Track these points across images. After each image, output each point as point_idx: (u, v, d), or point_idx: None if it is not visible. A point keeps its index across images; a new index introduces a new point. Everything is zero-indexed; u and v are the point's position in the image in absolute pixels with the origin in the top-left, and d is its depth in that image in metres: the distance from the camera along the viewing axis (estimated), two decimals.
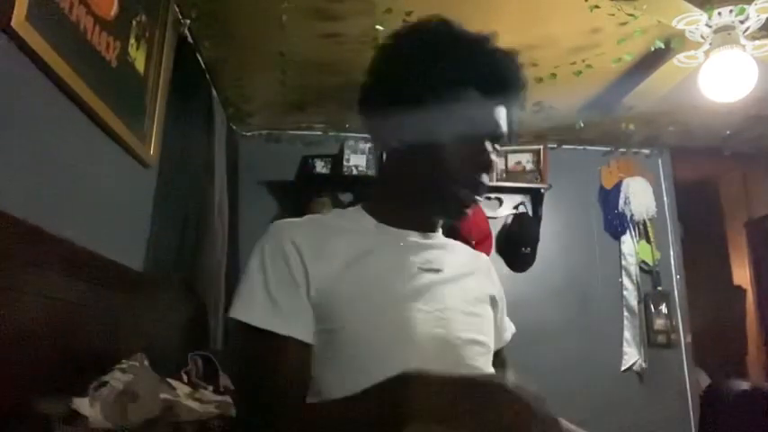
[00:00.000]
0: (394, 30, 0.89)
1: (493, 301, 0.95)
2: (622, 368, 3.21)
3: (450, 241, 0.97)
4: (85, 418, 1.00)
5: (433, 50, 0.83)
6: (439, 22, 0.85)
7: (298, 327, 0.76)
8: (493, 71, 0.84)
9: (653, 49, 2.29)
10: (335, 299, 0.78)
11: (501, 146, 0.88)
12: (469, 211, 0.87)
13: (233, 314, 0.77)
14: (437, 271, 0.86)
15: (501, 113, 0.86)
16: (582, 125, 3.00)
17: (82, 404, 1.02)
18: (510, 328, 1.03)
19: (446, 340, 0.82)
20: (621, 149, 3.47)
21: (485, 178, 0.84)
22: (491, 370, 0.88)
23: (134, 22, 1.62)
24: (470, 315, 0.87)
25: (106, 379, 1.12)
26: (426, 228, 0.90)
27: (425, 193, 0.86)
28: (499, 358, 0.95)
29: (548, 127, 3.16)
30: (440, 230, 0.94)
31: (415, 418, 0.59)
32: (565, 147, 3.46)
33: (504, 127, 0.86)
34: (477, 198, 0.86)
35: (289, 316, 0.76)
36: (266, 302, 0.76)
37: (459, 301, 0.86)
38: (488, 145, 0.84)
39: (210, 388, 1.61)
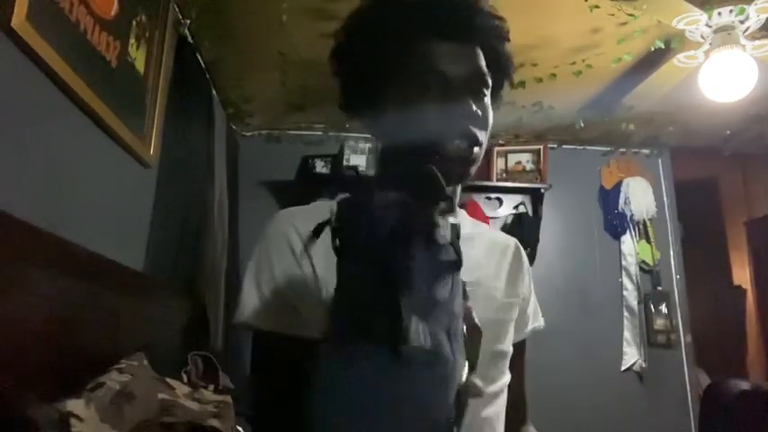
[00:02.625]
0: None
1: (523, 301, 0.87)
2: (622, 368, 3.21)
3: (472, 228, 0.86)
4: (81, 419, 1.00)
5: (382, 19, 0.75)
6: None
7: (311, 325, 0.68)
8: (442, 11, 0.73)
9: (653, 49, 2.29)
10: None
11: (482, 89, 0.74)
12: (458, 167, 0.73)
13: (245, 319, 0.72)
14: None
15: (455, 53, 0.73)
16: (582, 125, 3.00)
17: (77, 405, 1.02)
18: (532, 322, 0.91)
19: None
20: (621, 149, 3.47)
21: (457, 130, 0.72)
22: (506, 378, 0.82)
23: (134, 22, 1.62)
24: (493, 323, 0.77)
25: (103, 380, 1.12)
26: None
27: (400, 164, 0.74)
28: (512, 359, 0.84)
29: (548, 127, 3.16)
30: (456, 214, 0.84)
31: None
32: (565, 147, 3.46)
33: (473, 65, 0.74)
34: (456, 152, 0.71)
35: (301, 314, 0.70)
36: (274, 301, 0.71)
37: (482, 308, 0.77)
38: (464, 91, 0.73)
39: (211, 387, 1.61)
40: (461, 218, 0.88)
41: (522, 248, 0.93)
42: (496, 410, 0.80)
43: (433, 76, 0.72)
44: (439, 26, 0.73)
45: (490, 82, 0.77)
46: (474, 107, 0.72)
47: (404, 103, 0.73)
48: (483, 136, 0.74)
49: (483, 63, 0.75)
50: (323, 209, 0.76)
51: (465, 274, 0.75)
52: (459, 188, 0.82)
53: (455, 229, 0.49)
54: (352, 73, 0.79)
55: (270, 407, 0.73)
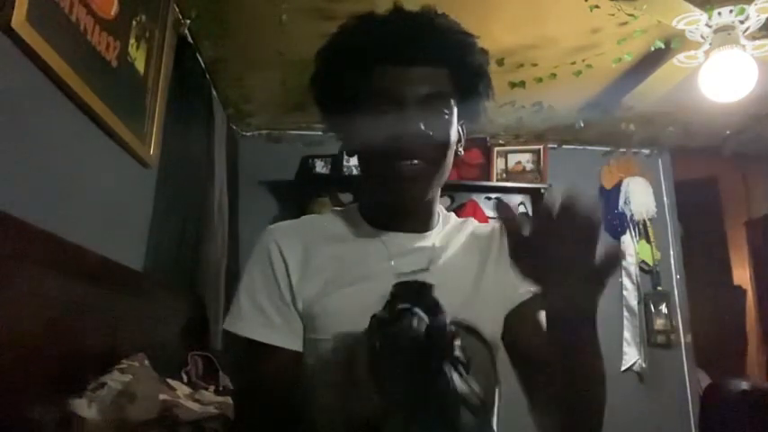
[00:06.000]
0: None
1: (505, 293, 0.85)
2: (622, 368, 3.20)
3: (454, 233, 0.90)
4: (83, 419, 1.00)
5: (347, 44, 0.82)
6: (359, 17, 0.83)
7: (286, 336, 0.79)
8: (397, 38, 0.78)
9: (653, 49, 2.29)
10: (320, 313, 0.79)
11: (430, 110, 0.79)
12: (419, 185, 0.80)
13: (226, 326, 0.81)
14: (425, 271, 0.81)
15: (419, 75, 0.78)
16: (582, 125, 3.00)
17: (79, 405, 1.02)
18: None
19: None
20: (621, 149, 3.47)
21: (406, 145, 0.77)
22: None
23: (134, 22, 1.62)
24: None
25: (104, 380, 1.12)
26: (419, 227, 0.87)
27: (369, 182, 0.86)
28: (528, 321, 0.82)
29: (548, 127, 3.16)
30: (439, 225, 0.89)
31: None
32: (565, 147, 3.46)
33: (426, 87, 0.78)
34: (411, 164, 0.78)
35: (277, 326, 0.79)
36: (255, 314, 0.80)
37: (457, 306, 0.79)
38: (405, 110, 0.77)
39: (211, 388, 1.61)
40: (449, 221, 0.93)
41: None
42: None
43: (385, 99, 0.78)
44: (397, 52, 0.78)
45: (453, 101, 0.81)
46: (423, 127, 0.77)
47: (363, 124, 0.80)
48: (435, 152, 0.80)
49: (443, 83, 0.80)
50: (311, 224, 0.89)
51: (443, 272, 0.82)
52: (435, 199, 0.87)
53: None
54: (323, 94, 0.86)
55: (249, 412, 0.82)
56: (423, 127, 0.77)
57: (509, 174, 3.32)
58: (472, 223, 0.96)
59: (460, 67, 0.81)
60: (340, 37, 0.84)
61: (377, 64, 0.79)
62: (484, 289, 0.84)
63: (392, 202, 0.84)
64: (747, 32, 2.01)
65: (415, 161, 0.78)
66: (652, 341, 3.26)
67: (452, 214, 0.96)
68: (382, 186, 0.82)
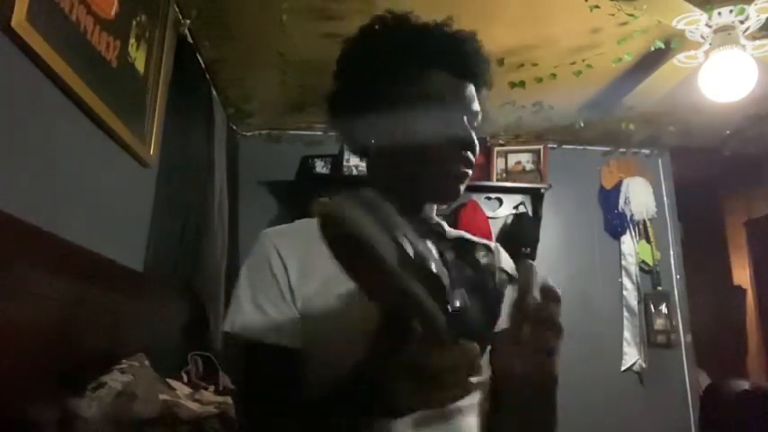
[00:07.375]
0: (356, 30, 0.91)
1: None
2: (622, 368, 3.21)
3: (451, 242, 0.92)
4: (83, 419, 1.00)
5: (396, 42, 0.85)
6: (396, 17, 0.87)
7: (286, 335, 0.79)
8: (455, 51, 0.84)
9: (653, 49, 2.29)
10: (317, 314, 0.79)
11: (475, 127, 0.86)
12: (462, 188, 0.85)
13: (225, 328, 0.80)
14: None
15: (471, 91, 0.85)
16: (582, 125, 3.00)
17: (79, 405, 1.02)
18: None
19: None
20: (621, 149, 3.47)
21: (468, 153, 0.83)
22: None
23: (134, 22, 1.62)
24: None
25: (105, 379, 1.12)
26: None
27: (415, 180, 0.85)
28: None
29: (548, 127, 3.16)
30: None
31: None
32: (565, 147, 3.46)
33: (476, 105, 0.85)
34: (467, 171, 0.84)
35: (277, 325, 0.79)
36: (254, 314, 0.79)
37: None
38: (466, 122, 0.84)
39: (211, 388, 1.61)
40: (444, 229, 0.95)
41: (499, 248, 0.99)
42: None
43: (445, 105, 0.82)
44: (454, 65, 0.83)
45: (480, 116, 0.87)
46: (472, 134, 0.82)
47: (407, 125, 0.82)
48: (473, 161, 0.84)
49: (480, 101, 0.86)
50: (306, 227, 0.87)
51: None
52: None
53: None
54: (356, 90, 0.88)
55: (254, 413, 0.81)
56: (473, 137, 0.83)
57: (509, 174, 3.32)
58: (463, 236, 0.98)
59: (483, 86, 0.87)
60: (378, 36, 0.87)
61: (433, 69, 0.82)
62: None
63: (431, 201, 0.88)
64: (747, 32, 2.01)
65: (461, 168, 0.83)
66: (652, 341, 3.26)
67: (444, 223, 0.97)
68: (428, 186, 0.84)
